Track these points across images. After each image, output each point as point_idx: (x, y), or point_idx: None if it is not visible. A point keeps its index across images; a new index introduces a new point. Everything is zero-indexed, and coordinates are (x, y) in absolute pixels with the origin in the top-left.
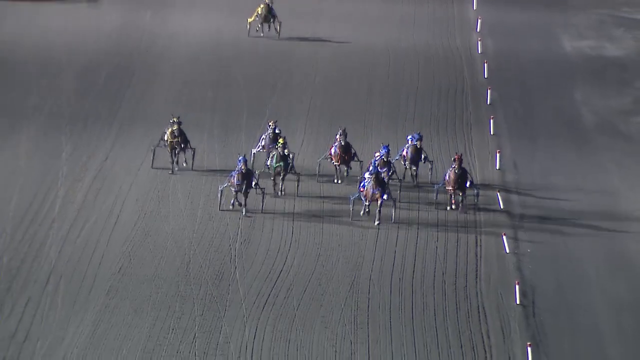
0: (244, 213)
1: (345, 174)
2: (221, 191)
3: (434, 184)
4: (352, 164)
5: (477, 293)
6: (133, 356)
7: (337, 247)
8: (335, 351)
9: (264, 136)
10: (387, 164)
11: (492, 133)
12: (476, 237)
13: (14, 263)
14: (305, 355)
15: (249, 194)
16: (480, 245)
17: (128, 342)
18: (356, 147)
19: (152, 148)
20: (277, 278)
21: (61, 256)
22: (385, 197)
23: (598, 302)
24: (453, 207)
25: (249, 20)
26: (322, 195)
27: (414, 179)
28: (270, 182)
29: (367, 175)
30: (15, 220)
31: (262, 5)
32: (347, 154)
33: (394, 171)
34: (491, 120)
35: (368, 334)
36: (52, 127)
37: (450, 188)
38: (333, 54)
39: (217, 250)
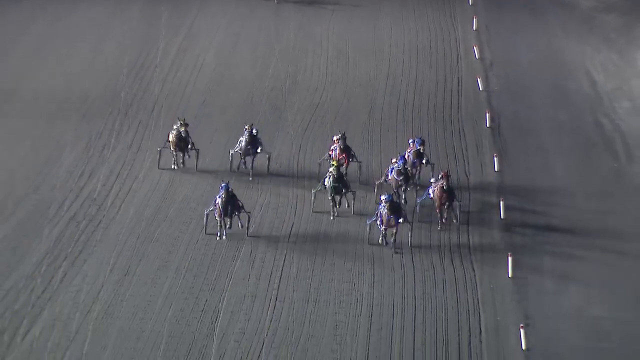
0: (220, 238)
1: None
2: (207, 214)
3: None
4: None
5: (458, 119)
6: (215, 152)
7: (359, 86)
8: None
9: (241, 139)
10: (405, 173)
11: (470, 4)
12: (458, 79)
13: (129, 96)
14: None
15: (233, 218)
16: (461, 84)
17: (213, 148)
18: (370, 24)
19: (159, 149)
20: (315, 109)
21: (162, 91)
22: (400, 221)
23: (544, 126)
24: (444, 221)
25: None
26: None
27: (416, 180)
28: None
29: (382, 198)
30: (129, 66)
31: None
32: (347, 156)
33: (410, 176)
34: None
35: (380, 150)
36: (154, 1)
37: (438, 205)
38: None
39: (273, 88)
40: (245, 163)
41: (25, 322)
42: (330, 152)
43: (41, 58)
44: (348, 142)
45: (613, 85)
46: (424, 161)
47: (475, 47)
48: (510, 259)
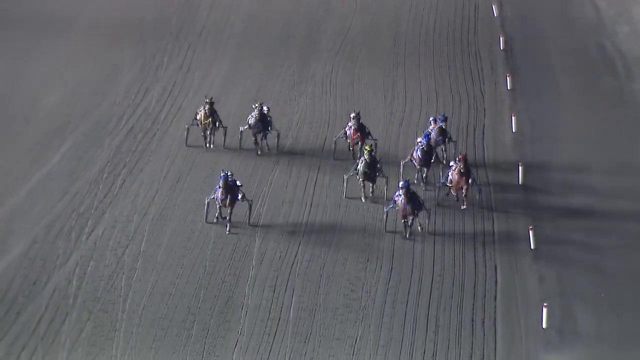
0: (227, 228)
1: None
2: (207, 203)
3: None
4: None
5: (475, 43)
6: (253, 89)
7: (385, 12)
8: (383, 80)
9: (250, 116)
10: (429, 152)
11: None
12: (475, 5)
13: (179, 22)
14: (366, 83)
15: (233, 208)
16: (477, 11)
17: (247, 80)
18: None
19: (186, 126)
20: (346, 34)
21: (209, 18)
22: (416, 211)
23: (551, 48)
24: (465, 205)
25: None
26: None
27: (440, 158)
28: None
29: (399, 185)
30: None
31: None
32: (361, 135)
33: (436, 155)
34: None
35: (404, 71)
36: None
37: (454, 189)
38: None
39: (308, 15)
40: (256, 142)
41: (89, 223)
42: (345, 130)
43: None
44: (375, 65)
45: (615, 11)
46: (446, 139)
47: None
48: (521, 168)
